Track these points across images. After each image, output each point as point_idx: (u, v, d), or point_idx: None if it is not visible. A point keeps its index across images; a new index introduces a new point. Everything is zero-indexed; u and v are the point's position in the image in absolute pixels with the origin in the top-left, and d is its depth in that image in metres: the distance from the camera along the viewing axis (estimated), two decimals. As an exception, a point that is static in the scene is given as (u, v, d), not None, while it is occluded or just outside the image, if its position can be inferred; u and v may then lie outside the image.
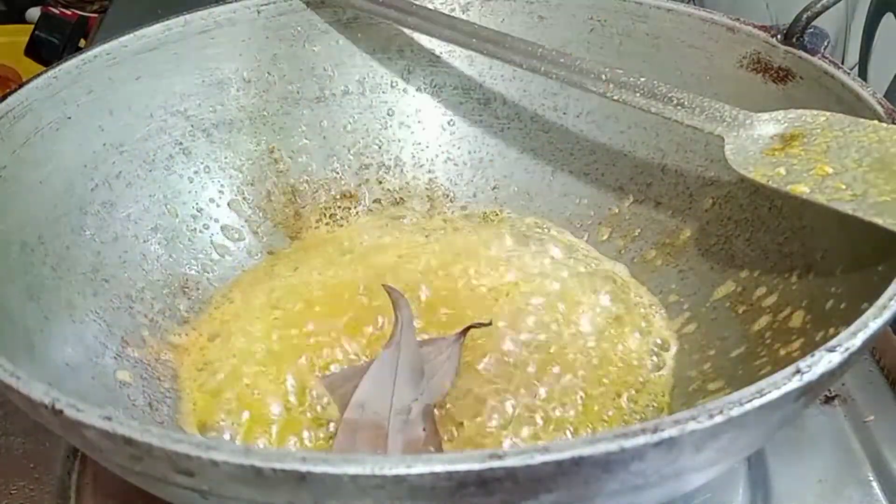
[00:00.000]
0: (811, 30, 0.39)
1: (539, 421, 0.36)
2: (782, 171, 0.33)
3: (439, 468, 0.21)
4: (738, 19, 0.42)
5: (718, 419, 0.22)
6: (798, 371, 0.23)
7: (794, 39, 0.39)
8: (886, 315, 0.25)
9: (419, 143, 0.50)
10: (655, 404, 0.37)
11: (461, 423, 0.36)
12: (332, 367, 0.39)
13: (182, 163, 0.45)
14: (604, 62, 0.39)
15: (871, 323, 0.25)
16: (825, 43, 0.39)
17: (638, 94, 0.38)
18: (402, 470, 0.20)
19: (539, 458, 0.21)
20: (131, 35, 0.43)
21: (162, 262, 0.42)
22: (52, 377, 0.33)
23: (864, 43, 0.55)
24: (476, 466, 0.21)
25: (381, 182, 0.49)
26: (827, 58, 0.38)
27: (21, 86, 0.38)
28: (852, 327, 0.25)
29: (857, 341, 0.24)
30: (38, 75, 0.39)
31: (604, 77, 0.39)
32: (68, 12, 0.91)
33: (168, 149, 0.44)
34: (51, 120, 0.39)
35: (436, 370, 0.37)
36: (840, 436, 0.39)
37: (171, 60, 0.44)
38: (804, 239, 0.37)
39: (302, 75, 0.48)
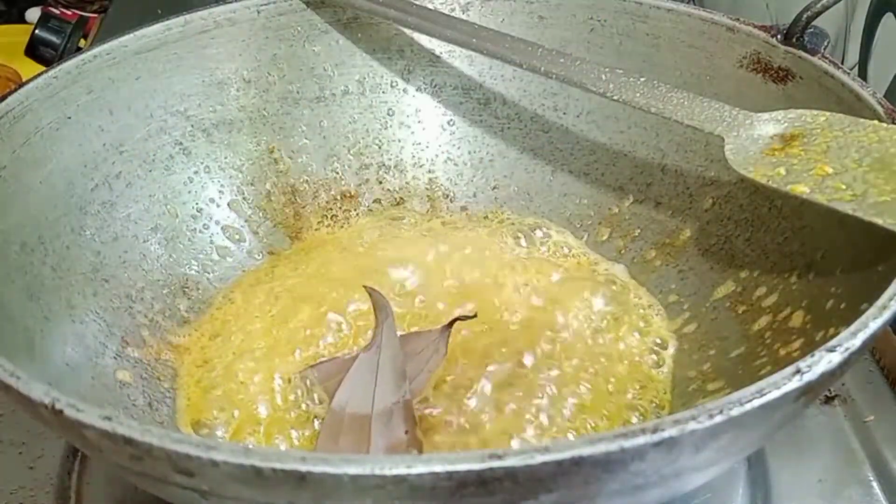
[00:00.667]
0: (811, 30, 0.39)
1: (538, 421, 0.36)
2: (782, 171, 0.33)
3: (439, 468, 0.21)
4: (738, 19, 0.42)
5: (718, 419, 0.22)
6: (798, 371, 0.23)
7: (794, 39, 0.39)
8: (886, 315, 0.25)
9: (419, 143, 0.50)
10: (657, 401, 0.37)
11: (459, 423, 0.36)
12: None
13: (182, 163, 0.45)
14: (604, 62, 0.39)
15: (871, 323, 0.25)
16: (825, 43, 0.39)
17: (638, 94, 0.38)
18: (402, 470, 0.20)
19: (539, 458, 0.21)
20: (131, 35, 0.43)
21: (162, 263, 0.42)
22: (52, 377, 0.33)
23: (864, 43, 0.55)
24: (476, 466, 0.21)
25: (381, 182, 0.49)
26: (827, 58, 0.38)
27: (21, 86, 0.38)
28: (852, 327, 0.25)
29: (857, 341, 0.24)
30: (38, 75, 0.39)
31: (604, 77, 0.39)
32: (68, 12, 0.91)
33: (168, 149, 0.44)
34: (51, 120, 0.39)
35: (422, 363, 0.37)
36: (840, 436, 0.40)
37: (171, 60, 0.44)
38: (804, 239, 0.37)
39: (302, 75, 0.48)
